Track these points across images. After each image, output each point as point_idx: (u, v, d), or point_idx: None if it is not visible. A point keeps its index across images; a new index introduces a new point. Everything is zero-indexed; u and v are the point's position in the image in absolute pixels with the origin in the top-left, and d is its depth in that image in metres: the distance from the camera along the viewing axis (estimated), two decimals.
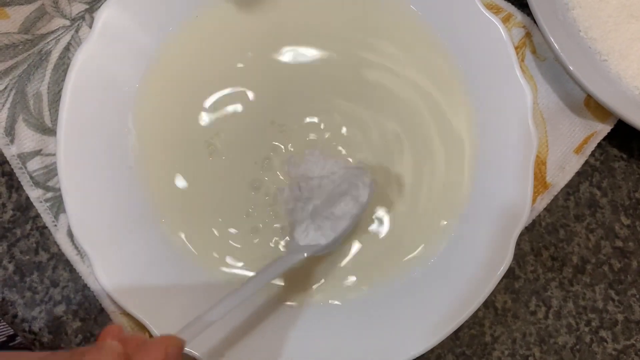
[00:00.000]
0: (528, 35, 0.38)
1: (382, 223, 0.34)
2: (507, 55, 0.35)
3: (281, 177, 0.35)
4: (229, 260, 0.33)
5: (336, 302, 0.33)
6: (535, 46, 0.38)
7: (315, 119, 0.36)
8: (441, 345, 0.33)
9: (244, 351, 0.31)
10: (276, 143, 0.35)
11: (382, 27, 0.37)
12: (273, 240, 0.34)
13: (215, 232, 0.34)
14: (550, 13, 0.36)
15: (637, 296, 0.35)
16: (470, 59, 0.36)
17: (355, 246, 0.34)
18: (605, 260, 0.36)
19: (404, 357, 0.30)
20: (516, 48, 0.37)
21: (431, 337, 0.31)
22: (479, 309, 0.34)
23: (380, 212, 0.34)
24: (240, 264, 0.33)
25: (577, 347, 0.34)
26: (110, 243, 0.32)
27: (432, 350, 0.32)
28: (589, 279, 0.36)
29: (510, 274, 0.35)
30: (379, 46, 0.37)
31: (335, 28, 0.37)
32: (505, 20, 0.38)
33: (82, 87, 0.33)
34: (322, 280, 0.33)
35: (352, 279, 0.34)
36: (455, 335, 0.34)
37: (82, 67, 0.33)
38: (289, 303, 0.33)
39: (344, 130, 0.35)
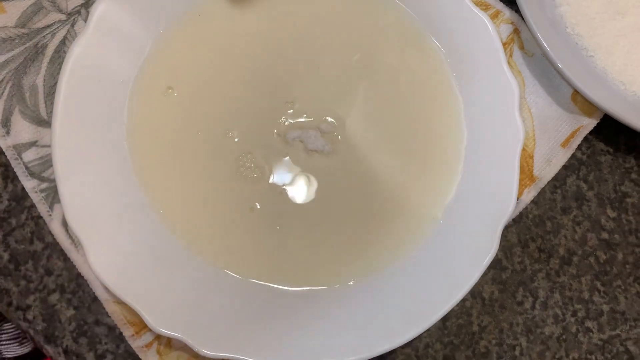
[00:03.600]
0: (516, 31, 0.39)
1: (369, 212, 0.35)
2: (495, 51, 0.35)
3: (282, 162, 0.35)
4: (224, 248, 0.34)
5: (322, 290, 0.34)
6: (523, 42, 0.39)
7: (310, 118, 0.36)
8: (429, 334, 0.33)
9: (229, 338, 0.31)
10: (276, 130, 0.36)
11: (372, 23, 0.38)
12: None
13: (211, 222, 0.34)
14: (537, 10, 0.36)
15: (622, 287, 0.36)
16: (458, 54, 0.37)
17: (342, 235, 0.35)
18: (591, 252, 0.36)
19: (391, 345, 0.31)
20: (504, 44, 0.38)
21: (418, 325, 0.31)
22: (466, 299, 0.34)
23: (366, 201, 0.35)
24: (235, 253, 0.34)
25: (563, 337, 0.35)
26: (105, 232, 0.32)
27: (420, 339, 0.33)
28: (575, 271, 0.36)
29: (497, 265, 0.36)
30: (370, 41, 0.37)
31: (326, 23, 0.38)
32: (494, 16, 0.39)
33: (77, 79, 0.33)
34: (308, 268, 0.34)
35: (338, 267, 0.34)
36: (444, 324, 0.34)
37: (77, 60, 0.33)
38: (275, 291, 0.34)
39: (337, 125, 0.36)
